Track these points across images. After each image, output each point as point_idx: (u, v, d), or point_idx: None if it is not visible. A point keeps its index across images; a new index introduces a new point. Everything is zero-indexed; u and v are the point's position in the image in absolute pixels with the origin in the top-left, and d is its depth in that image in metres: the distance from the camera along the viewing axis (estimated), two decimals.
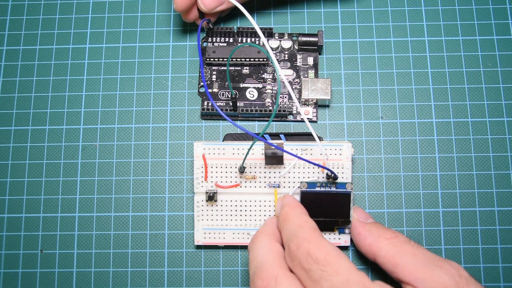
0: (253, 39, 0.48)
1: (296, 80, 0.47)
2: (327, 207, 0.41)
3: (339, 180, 0.42)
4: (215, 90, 0.47)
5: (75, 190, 0.46)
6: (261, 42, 0.48)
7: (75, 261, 0.44)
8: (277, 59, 0.47)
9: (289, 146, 0.42)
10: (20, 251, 0.45)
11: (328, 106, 0.47)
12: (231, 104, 0.46)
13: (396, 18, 0.49)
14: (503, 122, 0.46)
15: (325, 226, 0.41)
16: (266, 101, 0.46)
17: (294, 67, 0.47)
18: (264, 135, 0.44)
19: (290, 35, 0.48)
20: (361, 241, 0.39)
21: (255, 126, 0.46)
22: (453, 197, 0.44)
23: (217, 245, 0.44)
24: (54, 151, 0.46)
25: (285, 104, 0.46)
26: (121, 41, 0.49)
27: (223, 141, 0.45)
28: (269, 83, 0.47)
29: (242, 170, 0.42)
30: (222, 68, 0.47)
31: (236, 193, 0.43)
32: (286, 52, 0.47)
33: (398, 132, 0.46)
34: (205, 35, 0.48)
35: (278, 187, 0.42)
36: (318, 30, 0.47)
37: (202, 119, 0.47)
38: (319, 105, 0.47)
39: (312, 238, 0.35)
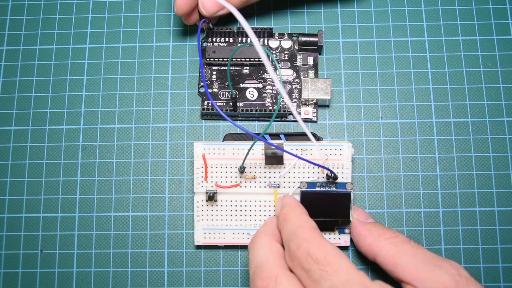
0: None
1: (296, 80, 0.47)
2: (327, 207, 0.41)
3: (339, 180, 0.42)
4: (215, 90, 0.47)
5: (75, 190, 0.46)
6: (263, 43, 0.48)
7: (75, 261, 0.44)
8: (277, 59, 0.47)
9: (289, 146, 0.42)
10: (20, 251, 0.45)
11: (328, 106, 0.47)
12: (231, 104, 0.46)
13: (396, 18, 0.49)
14: (503, 122, 0.46)
15: (325, 226, 0.41)
16: (266, 101, 0.46)
17: (294, 67, 0.47)
18: (264, 135, 0.44)
19: (290, 35, 0.48)
20: (361, 241, 0.39)
21: (255, 126, 0.46)
22: (453, 197, 0.44)
23: (217, 245, 0.44)
24: (54, 151, 0.46)
25: (285, 104, 0.46)
26: (121, 41, 0.49)
27: (223, 141, 0.45)
28: (269, 83, 0.47)
29: (242, 170, 0.42)
30: (222, 68, 0.47)
31: (236, 193, 0.43)
32: (286, 52, 0.47)
33: (398, 132, 0.46)
34: (205, 35, 0.48)
35: (278, 187, 0.42)
36: (318, 30, 0.47)
37: (202, 119, 0.47)
38: (319, 105, 0.47)
39: (312, 238, 0.35)
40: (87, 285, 0.44)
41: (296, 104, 0.46)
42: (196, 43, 0.49)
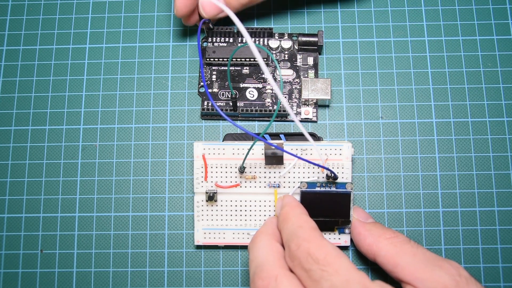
0: (253, 39, 0.48)
1: (296, 80, 0.47)
2: (327, 207, 0.41)
3: (339, 180, 0.42)
4: (215, 90, 0.47)
5: (75, 190, 0.46)
6: (263, 43, 0.48)
7: (75, 261, 0.44)
8: (277, 59, 0.47)
9: (289, 146, 0.42)
10: (20, 251, 0.45)
11: (328, 106, 0.47)
12: (231, 104, 0.46)
13: (396, 18, 0.49)
14: (503, 122, 0.46)
15: (325, 226, 0.41)
16: (266, 101, 0.46)
17: (294, 67, 0.47)
18: (264, 135, 0.44)
19: (290, 35, 0.48)
20: (361, 241, 0.39)
21: (255, 126, 0.46)
22: (453, 197, 0.44)
23: (217, 245, 0.44)
24: (54, 151, 0.46)
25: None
26: (121, 41, 0.49)
27: (223, 141, 0.45)
28: (269, 83, 0.46)
29: (242, 170, 0.42)
30: (222, 68, 0.47)
31: (236, 193, 0.43)
32: (286, 52, 0.47)
33: (398, 132, 0.46)
34: (205, 35, 0.48)
35: (278, 187, 0.42)
36: (318, 30, 0.47)
37: (202, 119, 0.47)
38: (319, 105, 0.47)
39: (312, 238, 0.35)
40: (87, 285, 0.44)
41: (296, 104, 0.46)
42: (196, 43, 0.49)
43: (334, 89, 0.47)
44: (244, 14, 0.49)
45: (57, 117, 0.47)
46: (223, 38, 0.48)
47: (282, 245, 0.37)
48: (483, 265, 0.43)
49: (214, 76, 0.47)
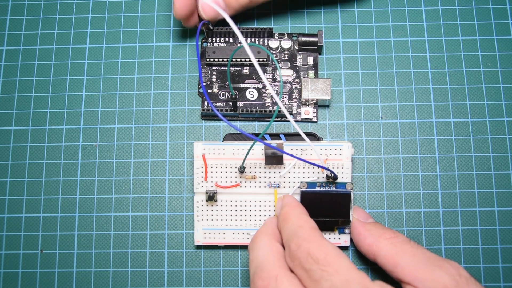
0: (253, 39, 0.48)
1: (296, 80, 0.47)
2: (327, 207, 0.41)
3: (339, 180, 0.42)
4: (215, 90, 0.47)
5: (75, 190, 0.46)
6: (263, 43, 0.48)
7: (75, 261, 0.44)
8: (277, 59, 0.47)
9: (289, 146, 0.42)
10: (20, 251, 0.45)
11: (328, 106, 0.47)
12: (231, 104, 0.46)
13: (396, 18, 0.49)
14: (503, 122, 0.46)
15: (325, 226, 0.41)
16: (266, 101, 0.46)
17: (294, 67, 0.47)
18: (264, 135, 0.44)
19: (290, 35, 0.48)
20: (361, 241, 0.39)
21: (255, 126, 0.46)
22: (453, 197, 0.45)
23: (217, 245, 0.44)
24: (54, 151, 0.46)
25: (285, 104, 0.46)
26: (121, 41, 0.49)
27: (223, 141, 0.45)
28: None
29: (242, 170, 0.42)
30: (222, 68, 0.47)
31: (236, 193, 0.43)
32: (286, 52, 0.47)
33: (398, 132, 0.46)
34: (204, 35, 0.48)
35: (278, 187, 0.42)
36: (318, 30, 0.47)
37: (202, 119, 0.47)
38: (319, 105, 0.47)
39: (312, 238, 0.35)
40: (87, 285, 0.44)
41: (296, 104, 0.46)
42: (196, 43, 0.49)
43: (334, 89, 0.47)
44: (244, 14, 0.49)
45: (57, 117, 0.47)
46: (223, 39, 0.48)
47: (282, 245, 0.37)
48: (483, 265, 0.43)
49: (214, 77, 0.47)
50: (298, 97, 0.46)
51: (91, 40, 0.49)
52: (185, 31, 0.49)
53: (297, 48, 0.47)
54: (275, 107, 0.46)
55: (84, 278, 0.44)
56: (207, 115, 0.47)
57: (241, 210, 0.43)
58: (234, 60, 0.46)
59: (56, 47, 0.49)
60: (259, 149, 0.42)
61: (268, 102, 0.46)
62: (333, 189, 0.42)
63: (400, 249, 0.37)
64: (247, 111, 0.45)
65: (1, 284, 0.44)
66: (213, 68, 0.47)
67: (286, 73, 0.47)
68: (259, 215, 0.43)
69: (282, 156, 0.41)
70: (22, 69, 0.48)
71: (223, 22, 0.49)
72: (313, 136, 0.45)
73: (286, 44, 0.47)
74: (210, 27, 0.47)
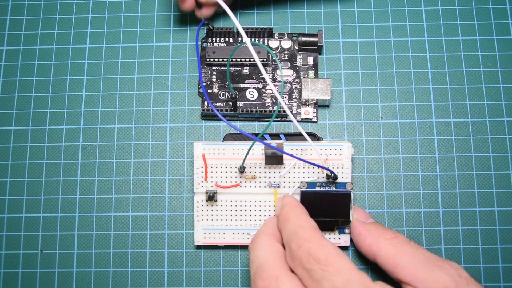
0: (253, 39, 0.48)
1: (296, 80, 0.47)
2: (327, 207, 0.41)
3: (339, 180, 0.42)
4: (215, 90, 0.47)
5: (75, 190, 0.46)
6: (263, 43, 0.48)
7: (75, 261, 0.44)
8: (278, 59, 0.47)
9: (289, 146, 0.42)
10: (20, 251, 0.45)
11: (328, 106, 0.47)
12: (231, 104, 0.46)
13: (396, 18, 0.49)
14: (503, 122, 0.46)
15: (325, 226, 0.41)
16: (266, 101, 0.46)
17: (294, 67, 0.47)
18: (264, 135, 0.44)
19: (290, 35, 0.48)
20: (361, 241, 0.39)
21: (255, 126, 0.46)
22: (453, 197, 0.45)
23: (217, 245, 0.44)
24: (54, 151, 0.46)
25: (285, 104, 0.46)
26: (121, 41, 0.49)
27: (223, 141, 0.45)
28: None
29: (242, 170, 0.42)
30: (222, 68, 0.47)
31: (236, 193, 0.43)
32: (286, 52, 0.47)
33: (398, 132, 0.46)
34: (205, 35, 0.48)
35: (278, 187, 0.42)
36: (318, 30, 0.47)
37: (202, 119, 0.47)
38: (319, 105, 0.47)
39: (313, 238, 0.35)
40: (87, 285, 0.44)
41: (296, 104, 0.46)
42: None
43: (334, 89, 0.47)
44: (244, 14, 0.49)
45: (57, 117, 0.47)
46: (223, 38, 0.48)
47: (283, 245, 0.37)
48: (483, 265, 0.43)
49: (214, 77, 0.47)
50: (298, 97, 0.46)
51: (91, 40, 0.49)
52: (185, 31, 0.49)
53: (297, 48, 0.47)
54: (275, 107, 0.46)
55: (84, 278, 0.44)
56: (207, 115, 0.47)
57: (241, 210, 0.43)
58: (234, 60, 0.46)
59: (56, 47, 0.49)
60: (259, 149, 0.42)
61: (268, 102, 0.46)
62: (333, 189, 0.42)
63: (400, 249, 0.37)
64: (247, 111, 0.45)
65: (1, 284, 0.44)
66: (213, 68, 0.47)
67: (286, 73, 0.47)
68: (259, 215, 0.43)
69: (282, 156, 0.41)
70: (22, 69, 0.48)
71: (223, 22, 0.49)
72: (313, 136, 0.45)
73: (286, 44, 0.47)
74: (210, 26, 0.47)
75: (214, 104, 0.46)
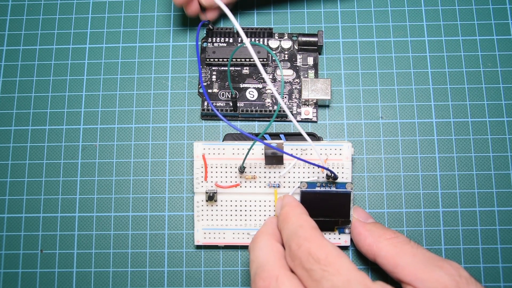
0: (253, 39, 0.48)
1: (296, 80, 0.47)
2: (327, 207, 0.41)
3: (339, 180, 0.42)
4: (215, 90, 0.47)
5: (75, 190, 0.46)
6: (263, 43, 0.48)
7: (75, 261, 0.44)
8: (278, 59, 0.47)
9: (289, 146, 0.42)
10: (20, 251, 0.45)
11: (328, 106, 0.47)
12: (231, 104, 0.46)
13: (396, 18, 0.49)
14: (503, 122, 0.46)
15: (325, 226, 0.41)
16: (266, 101, 0.46)
17: (294, 67, 0.47)
18: (264, 135, 0.44)
19: (290, 35, 0.48)
20: (361, 241, 0.39)
21: (255, 126, 0.46)
22: (453, 197, 0.45)
23: (217, 245, 0.44)
24: (54, 151, 0.46)
25: (285, 104, 0.46)
26: (121, 41, 0.49)
27: (223, 141, 0.45)
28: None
29: (242, 170, 0.42)
30: (222, 68, 0.47)
31: (236, 193, 0.43)
32: (286, 52, 0.47)
33: (398, 132, 0.46)
34: (205, 35, 0.48)
35: (278, 187, 0.42)
36: (318, 30, 0.47)
37: (202, 119, 0.47)
38: (319, 105, 0.47)
39: (313, 238, 0.35)
40: (87, 285, 0.44)
41: (296, 104, 0.46)
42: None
43: (334, 89, 0.47)
44: (244, 14, 0.49)
45: (57, 117, 0.47)
46: (223, 38, 0.48)
47: (283, 245, 0.37)
48: (483, 265, 0.43)
49: (214, 77, 0.47)
50: (298, 97, 0.46)
51: (91, 40, 0.49)
52: (185, 31, 0.49)
53: (297, 48, 0.47)
54: (275, 107, 0.46)
55: (84, 278, 0.44)
56: (207, 115, 0.47)
57: (241, 210, 0.43)
58: (234, 60, 0.46)
59: (56, 47, 0.49)
60: (259, 149, 0.42)
61: (268, 102, 0.46)
62: (333, 189, 0.42)
63: (400, 249, 0.37)
64: (247, 111, 0.45)
65: (1, 284, 0.44)
66: (213, 68, 0.47)
67: (286, 73, 0.47)
68: (259, 215, 0.43)
69: (282, 156, 0.41)
70: (22, 69, 0.48)
71: (223, 22, 0.49)
72: (313, 136, 0.45)
73: (286, 44, 0.47)
74: (210, 26, 0.47)
75: (214, 104, 0.46)
